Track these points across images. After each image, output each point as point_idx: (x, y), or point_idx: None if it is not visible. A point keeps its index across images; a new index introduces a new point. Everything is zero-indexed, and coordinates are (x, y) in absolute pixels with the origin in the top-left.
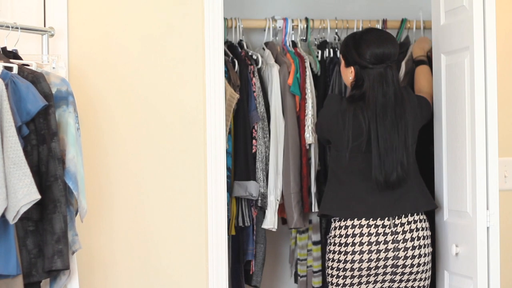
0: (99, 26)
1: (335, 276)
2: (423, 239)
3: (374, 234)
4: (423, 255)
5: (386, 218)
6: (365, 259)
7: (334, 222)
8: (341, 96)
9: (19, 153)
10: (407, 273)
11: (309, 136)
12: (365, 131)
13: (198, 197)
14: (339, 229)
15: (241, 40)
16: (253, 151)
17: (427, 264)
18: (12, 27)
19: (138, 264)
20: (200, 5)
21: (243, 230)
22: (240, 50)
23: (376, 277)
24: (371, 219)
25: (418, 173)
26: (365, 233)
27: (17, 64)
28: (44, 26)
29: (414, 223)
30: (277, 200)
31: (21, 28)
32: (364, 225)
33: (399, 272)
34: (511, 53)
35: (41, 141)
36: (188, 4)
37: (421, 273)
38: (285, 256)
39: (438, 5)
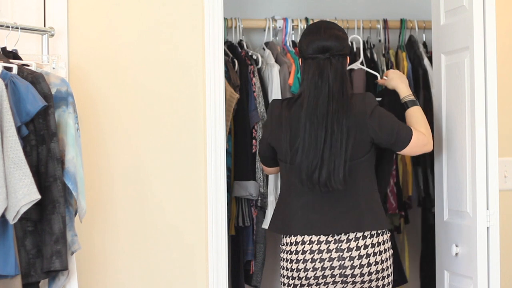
0: (99, 26)
1: None
2: (374, 255)
3: (317, 251)
4: (375, 271)
5: (331, 235)
6: (311, 277)
7: (282, 237)
8: (282, 100)
9: (19, 153)
10: None
11: None
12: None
13: (198, 197)
14: (285, 245)
15: (241, 40)
16: (253, 151)
17: (385, 279)
18: (12, 27)
19: (138, 265)
20: (200, 5)
21: (243, 230)
22: (240, 50)
23: None
24: (313, 235)
25: (372, 190)
26: (307, 250)
27: (17, 65)
28: (44, 26)
29: (362, 239)
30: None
31: (21, 28)
32: (307, 241)
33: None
34: (511, 53)
35: (41, 141)
36: (188, 4)
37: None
38: None
39: (438, 5)
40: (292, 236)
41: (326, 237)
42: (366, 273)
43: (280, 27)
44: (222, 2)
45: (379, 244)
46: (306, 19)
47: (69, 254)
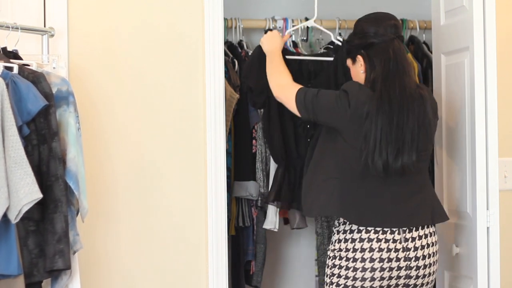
0: (99, 26)
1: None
2: (433, 256)
3: (386, 249)
4: (433, 273)
5: (397, 232)
6: (377, 277)
7: (338, 233)
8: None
9: (21, 152)
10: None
11: None
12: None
13: (198, 197)
14: (345, 242)
15: (241, 40)
16: (253, 151)
17: (434, 281)
18: (12, 27)
19: (139, 264)
20: (200, 5)
21: (243, 230)
22: (240, 50)
23: None
24: (380, 232)
25: (430, 182)
26: (376, 248)
27: (18, 64)
28: (44, 26)
29: (425, 238)
30: None
31: (21, 28)
32: (374, 239)
33: (411, 284)
34: (511, 53)
35: (42, 141)
36: (188, 4)
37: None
38: (285, 256)
39: (438, 5)
40: (355, 232)
41: (393, 235)
42: (426, 282)
43: (280, 27)
44: (222, 2)
45: (435, 254)
46: (306, 19)
47: (71, 254)
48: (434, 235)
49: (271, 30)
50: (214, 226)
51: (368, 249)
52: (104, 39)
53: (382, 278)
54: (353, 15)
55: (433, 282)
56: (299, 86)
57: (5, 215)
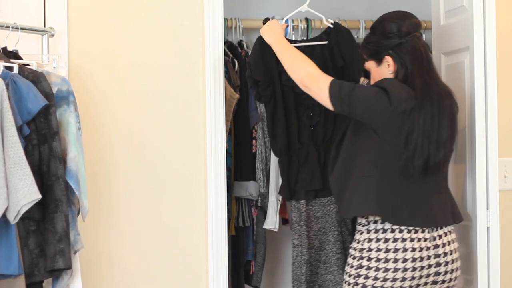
0: (99, 25)
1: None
2: (457, 250)
3: (418, 249)
4: (459, 267)
5: (427, 231)
6: (408, 277)
7: (369, 232)
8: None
9: (20, 152)
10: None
11: None
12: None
13: (198, 197)
14: (376, 242)
15: (241, 40)
16: (253, 151)
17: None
18: (12, 27)
19: (139, 264)
20: (200, 5)
21: (243, 230)
22: (240, 50)
23: None
24: (413, 231)
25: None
26: (409, 248)
27: (18, 64)
28: (44, 26)
29: (449, 234)
30: (279, 200)
31: (21, 28)
32: (407, 238)
33: (439, 281)
34: (511, 53)
35: (42, 140)
36: (188, 4)
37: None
38: (285, 256)
39: (438, 5)
40: (389, 232)
41: (424, 234)
42: (452, 278)
43: None
44: (222, 2)
45: (457, 250)
46: (306, 19)
47: (72, 253)
48: (453, 232)
49: (269, 19)
50: (214, 226)
51: (401, 249)
52: (104, 38)
53: (412, 278)
54: (353, 15)
55: (459, 277)
56: (330, 77)
57: (4, 216)
